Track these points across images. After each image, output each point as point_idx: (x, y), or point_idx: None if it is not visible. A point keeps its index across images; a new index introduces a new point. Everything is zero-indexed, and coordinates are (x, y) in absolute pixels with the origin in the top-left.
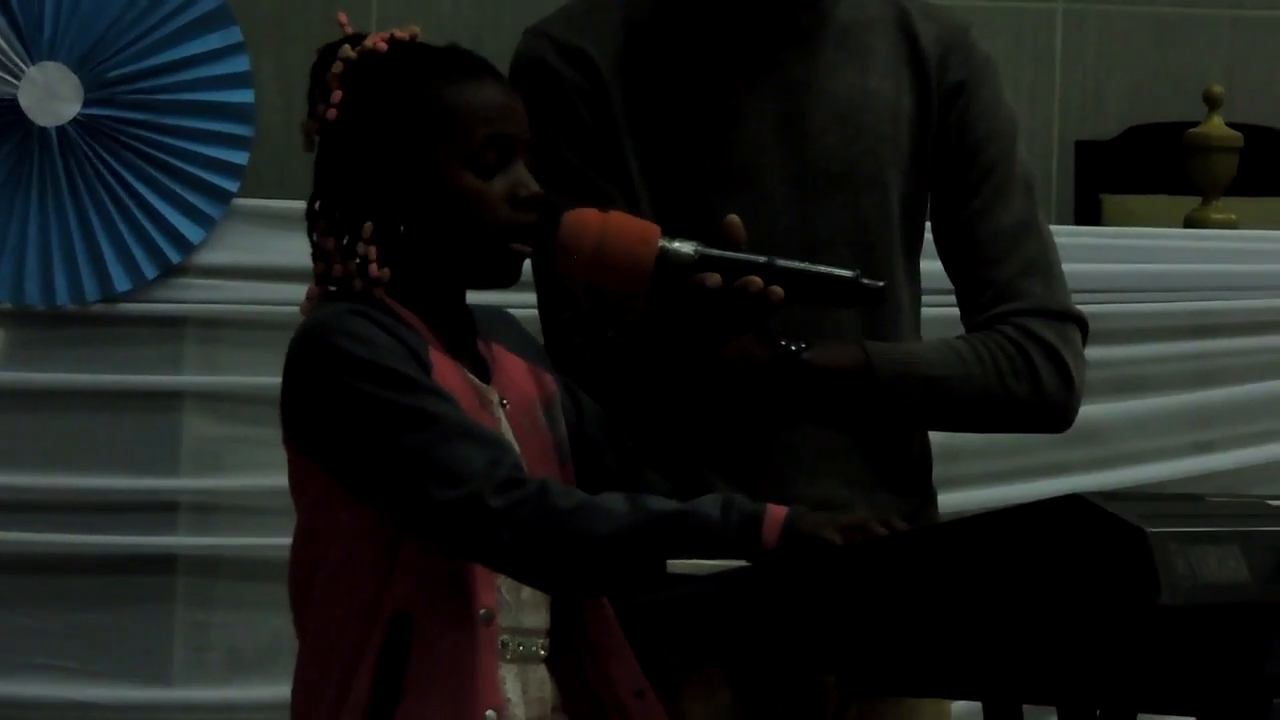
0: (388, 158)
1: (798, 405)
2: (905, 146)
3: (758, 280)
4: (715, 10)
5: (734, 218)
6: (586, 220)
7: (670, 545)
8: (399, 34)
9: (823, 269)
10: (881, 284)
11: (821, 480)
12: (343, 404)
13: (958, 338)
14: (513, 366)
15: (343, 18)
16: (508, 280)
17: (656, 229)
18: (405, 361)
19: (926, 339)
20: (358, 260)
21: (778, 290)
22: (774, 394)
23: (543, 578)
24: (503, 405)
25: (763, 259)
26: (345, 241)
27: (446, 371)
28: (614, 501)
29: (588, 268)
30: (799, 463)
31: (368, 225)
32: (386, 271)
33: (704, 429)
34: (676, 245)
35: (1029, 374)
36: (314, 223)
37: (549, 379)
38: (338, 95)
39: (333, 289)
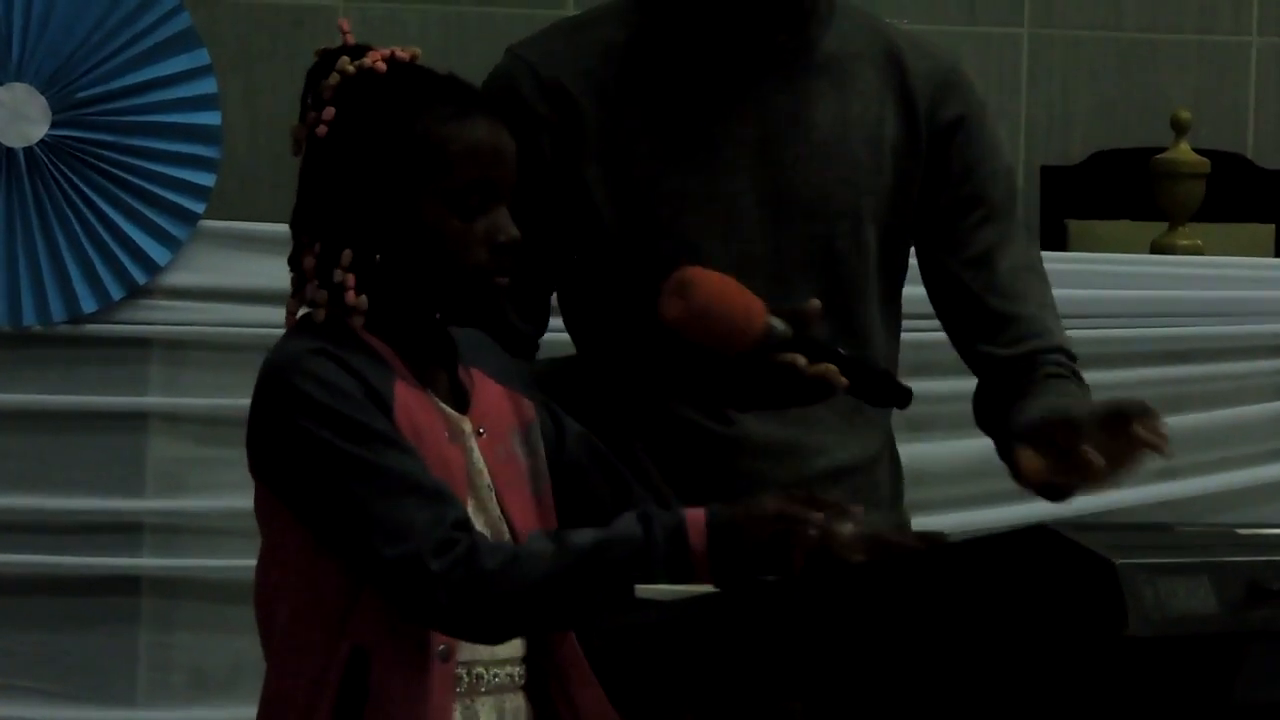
0: (371, 187)
1: None
2: (887, 176)
3: (835, 369)
4: (698, 34)
5: (815, 303)
6: (708, 279)
7: (604, 574)
8: (400, 54)
9: (871, 362)
10: (909, 391)
11: None
12: (298, 448)
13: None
14: (491, 393)
15: (344, 24)
16: (485, 317)
17: (762, 304)
18: (363, 408)
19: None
20: (336, 285)
21: (844, 380)
22: None
23: (486, 636)
24: (478, 434)
25: (836, 349)
26: (323, 263)
27: (413, 405)
28: (539, 545)
29: (690, 321)
30: (770, 492)
31: (346, 253)
32: (364, 300)
33: (678, 460)
34: (776, 323)
35: None
36: (297, 238)
37: (527, 404)
38: (330, 112)
39: (308, 309)
